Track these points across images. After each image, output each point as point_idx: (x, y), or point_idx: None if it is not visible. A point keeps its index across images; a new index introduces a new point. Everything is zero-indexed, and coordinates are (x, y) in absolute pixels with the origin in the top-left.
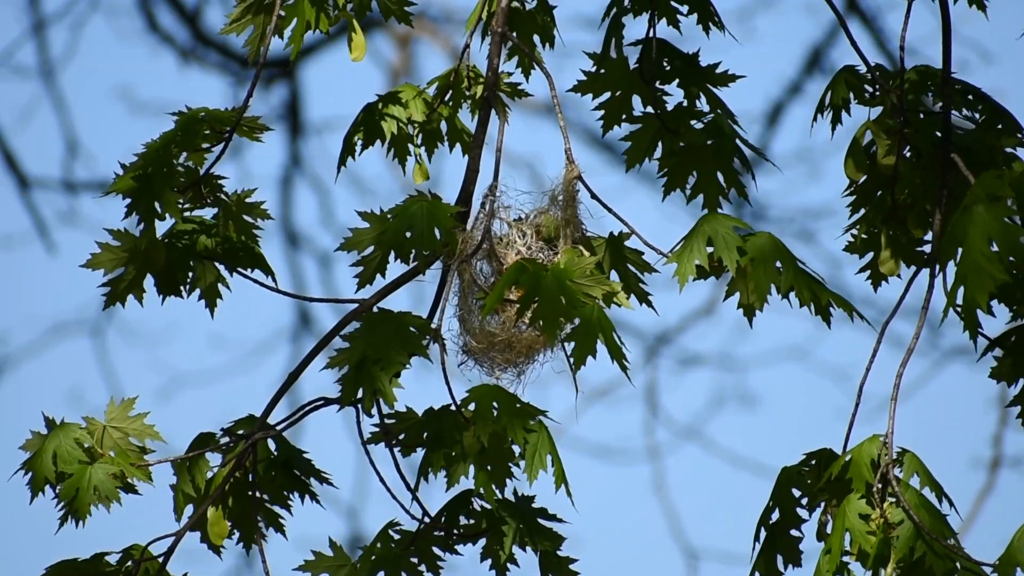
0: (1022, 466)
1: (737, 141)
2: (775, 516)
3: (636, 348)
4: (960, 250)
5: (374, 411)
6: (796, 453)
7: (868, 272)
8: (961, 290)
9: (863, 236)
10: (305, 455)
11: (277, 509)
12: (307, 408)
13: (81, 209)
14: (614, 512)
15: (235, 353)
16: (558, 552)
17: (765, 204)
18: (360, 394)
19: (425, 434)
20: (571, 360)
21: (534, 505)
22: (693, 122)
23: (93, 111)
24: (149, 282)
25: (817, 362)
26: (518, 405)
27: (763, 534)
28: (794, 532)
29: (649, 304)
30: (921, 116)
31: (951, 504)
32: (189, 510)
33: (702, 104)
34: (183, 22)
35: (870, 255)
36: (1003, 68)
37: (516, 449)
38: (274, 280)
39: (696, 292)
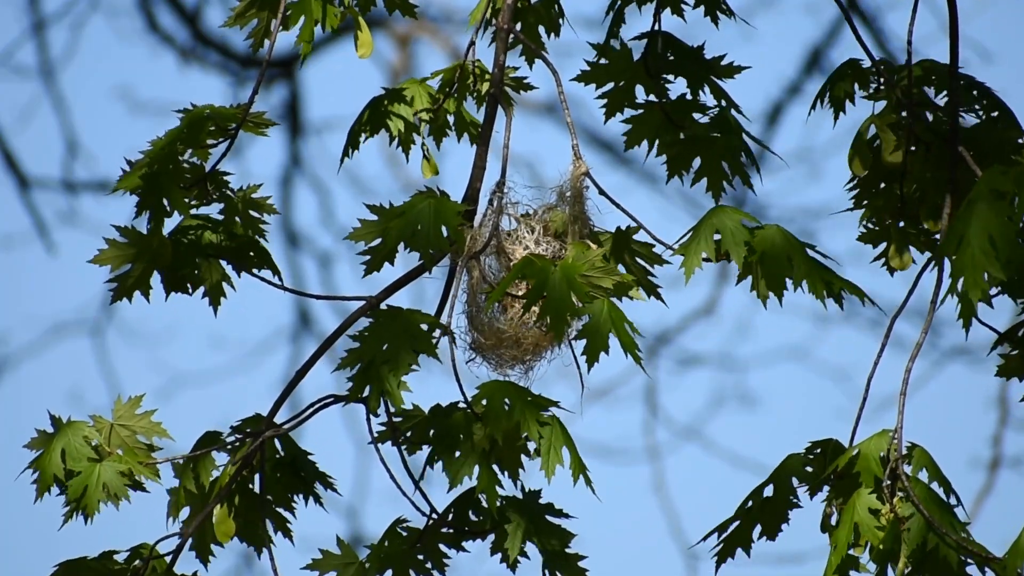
0: (1022, 466)
1: (744, 136)
2: (768, 492)
3: None
4: (960, 245)
5: (380, 411)
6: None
7: (883, 261)
8: (960, 285)
9: (871, 226)
10: (310, 456)
11: (282, 512)
12: (317, 406)
13: (81, 209)
14: (614, 512)
15: (235, 353)
16: (566, 550)
17: (765, 204)
18: (367, 392)
19: (432, 431)
20: (581, 357)
21: (541, 501)
22: (696, 115)
23: (93, 111)
24: (155, 279)
25: (817, 362)
26: (529, 398)
27: (750, 504)
28: (783, 512)
29: (658, 296)
30: (927, 114)
31: (958, 500)
32: (185, 511)
33: (706, 96)
34: (183, 22)
35: (884, 244)
36: (1003, 68)
37: (531, 445)
38: (279, 278)
39: (696, 291)
